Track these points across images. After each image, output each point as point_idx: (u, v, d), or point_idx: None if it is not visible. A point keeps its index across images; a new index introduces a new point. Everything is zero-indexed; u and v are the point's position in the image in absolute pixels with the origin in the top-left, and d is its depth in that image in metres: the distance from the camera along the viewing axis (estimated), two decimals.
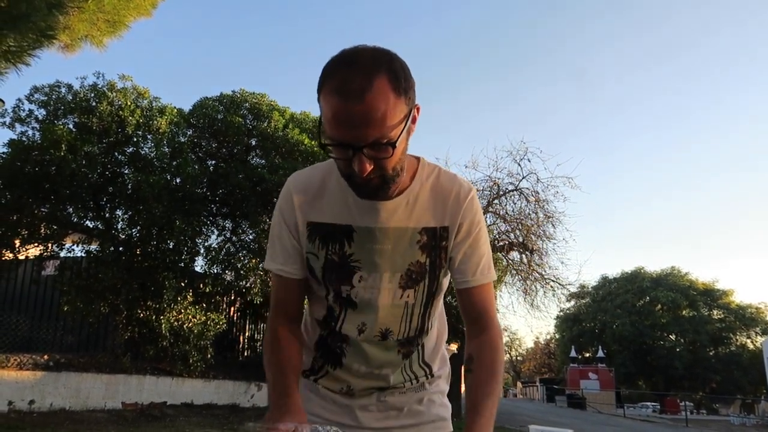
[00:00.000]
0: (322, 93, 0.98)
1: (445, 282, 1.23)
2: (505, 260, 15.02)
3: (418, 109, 1.05)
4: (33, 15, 4.27)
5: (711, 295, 42.50)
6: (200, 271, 11.44)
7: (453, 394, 13.50)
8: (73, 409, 8.18)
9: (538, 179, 14.57)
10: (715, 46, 75.69)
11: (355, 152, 0.97)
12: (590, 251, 72.55)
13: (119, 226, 10.51)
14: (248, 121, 11.98)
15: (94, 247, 10.40)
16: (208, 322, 10.32)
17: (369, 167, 0.99)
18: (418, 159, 1.20)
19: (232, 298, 12.87)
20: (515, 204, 14.81)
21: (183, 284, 10.36)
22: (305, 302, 1.29)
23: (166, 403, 9.59)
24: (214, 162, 12.12)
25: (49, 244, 9.95)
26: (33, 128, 10.00)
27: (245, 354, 13.54)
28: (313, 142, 11.58)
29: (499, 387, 1.17)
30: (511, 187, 14.70)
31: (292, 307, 1.22)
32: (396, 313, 1.20)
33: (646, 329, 40.77)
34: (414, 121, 1.05)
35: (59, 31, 4.79)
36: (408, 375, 1.28)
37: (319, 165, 1.23)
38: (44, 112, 10.16)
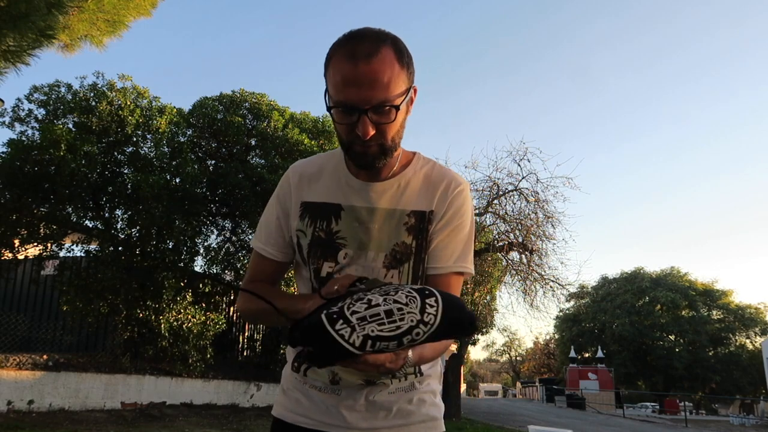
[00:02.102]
0: (331, 62, 1.05)
1: None
2: (504, 260, 15.02)
3: (415, 91, 1.11)
4: (32, 14, 4.27)
5: (710, 296, 42.46)
6: (200, 271, 11.44)
7: (453, 394, 13.50)
8: (72, 409, 8.17)
9: (537, 179, 14.54)
10: (716, 45, 75.75)
11: (360, 114, 1.02)
12: (590, 251, 72.56)
13: (119, 226, 10.50)
14: (248, 121, 11.98)
15: (93, 246, 10.40)
16: (208, 322, 10.32)
17: (372, 131, 1.03)
18: (414, 153, 1.25)
19: (232, 298, 12.85)
20: (515, 204, 14.76)
21: (182, 284, 10.36)
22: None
23: (166, 403, 9.58)
24: (213, 162, 12.13)
25: (49, 244, 9.94)
26: (32, 128, 10.01)
27: (245, 354, 13.53)
28: (312, 142, 11.58)
29: (442, 350, 1.20)
30: (510, 188, 14.67)
31: (266, 280, 1.30)
32: None
33: (645, 329, 40.73)
34: (411, 102, 1.11)
35: (59, 30, 4.78)
36: None
37: (322, 153, 1.29)
38: (44, 112, 10.16)
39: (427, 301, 0.89)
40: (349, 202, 1.19)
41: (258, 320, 1.20)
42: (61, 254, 10.44)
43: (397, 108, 1.04)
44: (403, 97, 1.05)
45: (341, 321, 0.85)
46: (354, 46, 1.02)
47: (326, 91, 1.07)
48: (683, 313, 41.46)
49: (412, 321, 0.86)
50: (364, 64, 1.00)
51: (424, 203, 1.19)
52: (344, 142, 1.10)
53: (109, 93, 10.24)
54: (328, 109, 1.07)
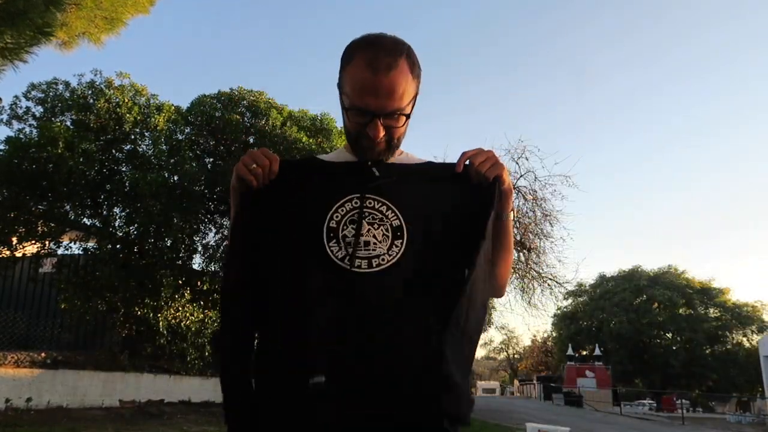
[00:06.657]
0: (350, 64, 1.14)
1: None
2: None
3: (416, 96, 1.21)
4: (30, 12, 4.26)
5: (707, 294, 42.53)
6: (198, 268, 11.43)
7: None
8: (70, 407, 8.17)
9: (535, 177, 14.61)
10: (713, 43, 75.86)
11: (373, 118, 1.14)
12: (588, 250, 72.68)
13: (117, 224, 10.49)
14: (246, 119, 11.96)
15: (91, 244, 10.39)
16: (206, 320, 10.33)
17: (381, 133, 1.15)
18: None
19: None
20: (513, 202, 14.81)
21: (180, 282, 10.36)
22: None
23: (164, 400, 9.59)
24: (212, 159, 12.10)
25: (47, 242, 9.93)
26: (30, 125, 10.00)
27: None
28: (310, 140, 11.57)
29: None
30: None
31: None
32: None
33: (643, 327, 40.81)
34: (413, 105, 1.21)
35: (57, 28, 4.77)
36: None
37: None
38: (41, 110, 10.13)
39: None
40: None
41: None
42: (59, 252, 10.44)
43: (408, 116, 1.16)
44: (412, 104, 1.17)
45: None
46: (374, 54, 1.10)
47: (340, 84, 1.17)
48: (680, 311, 41.56)
49: None
50: (384, 76, 1.10)
51: None
52: (352, 135, 1.20)
53: (107, 90, 10.22)
54: (344, 106, 1.17)
